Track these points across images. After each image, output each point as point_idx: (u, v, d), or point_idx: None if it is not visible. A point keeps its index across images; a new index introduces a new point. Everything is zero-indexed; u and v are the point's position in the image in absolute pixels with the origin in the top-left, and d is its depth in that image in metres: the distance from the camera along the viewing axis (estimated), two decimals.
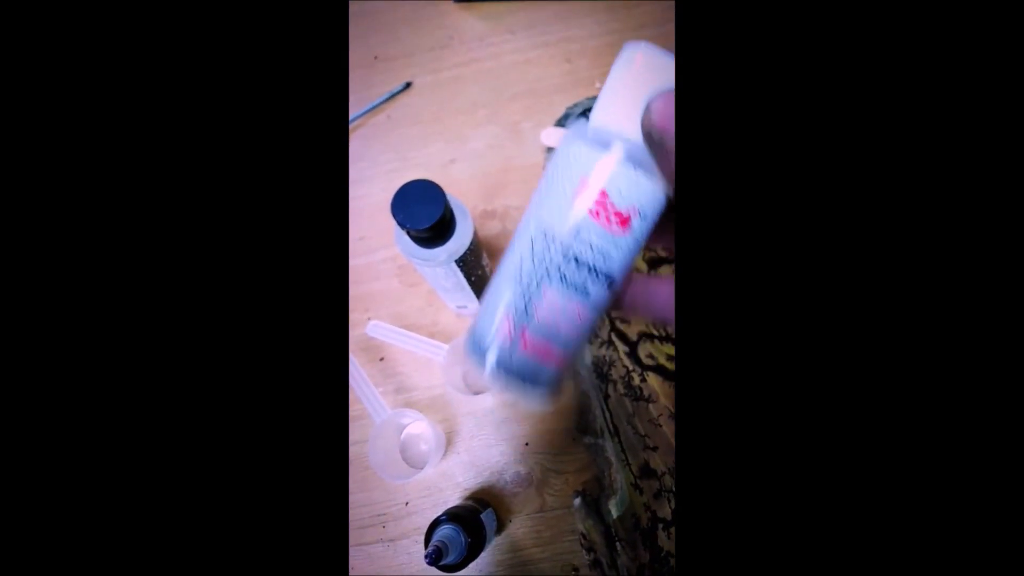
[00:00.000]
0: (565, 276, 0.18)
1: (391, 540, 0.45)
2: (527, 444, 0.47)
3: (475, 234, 0.40)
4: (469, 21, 0.62)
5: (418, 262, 0.38)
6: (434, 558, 0.32)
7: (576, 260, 0.18)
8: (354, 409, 0.48)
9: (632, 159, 0.17)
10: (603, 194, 0.17)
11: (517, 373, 0.19)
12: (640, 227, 0.18)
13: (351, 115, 0.58)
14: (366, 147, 0.58)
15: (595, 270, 0.18)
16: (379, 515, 0.46)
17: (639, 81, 0.17)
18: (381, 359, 0.50)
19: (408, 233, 0.36)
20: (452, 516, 0.37)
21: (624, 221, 0.18)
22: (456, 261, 0.38)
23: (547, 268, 0.19)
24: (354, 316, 0.50)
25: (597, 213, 0.18)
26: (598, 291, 0.19)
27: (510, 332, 0.19)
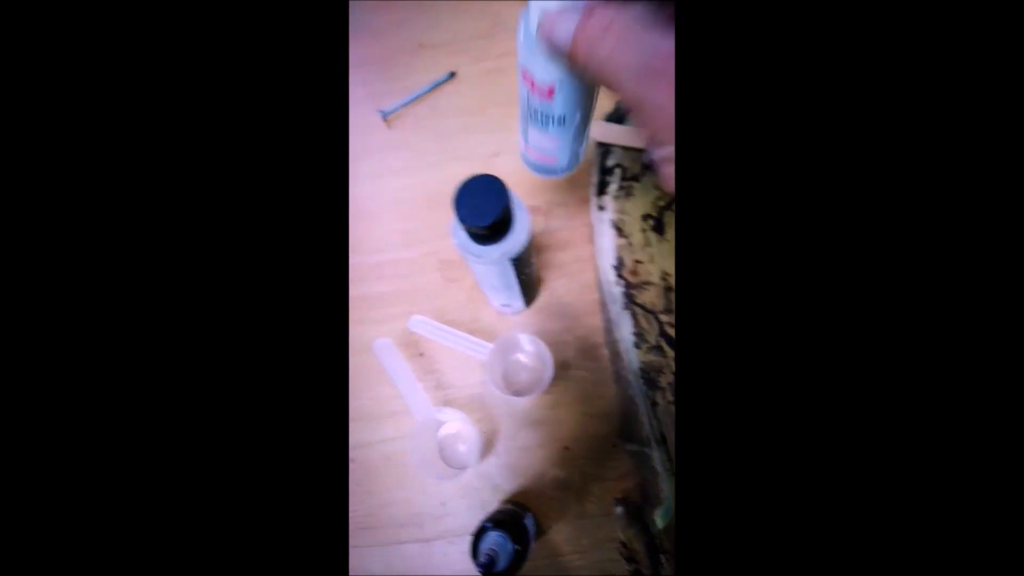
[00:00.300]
0: (533, 120, 0.29)
1: (427, 540, 0.44)
2: (567, 448, 0.45)
3: (531, 233, 0.38)
4: (514, 10, 0.60)
5: (471, 258, 0.37)
6: (487, 567, 0.31)
7: (534, 112, 0.29)
8: (394, 405, 0.47)
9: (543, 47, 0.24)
10: (528, 77, 0.26)
11: (532, 165, 0.35)
12: (563, 91, 0.26)
13: (396, 103, 0.57)
14: (409, 137, 0.56)
15: (547, 118, 0.28)
16: (416, 514, 0.45)
17: None
18: (421, 355, 0.49)
19: (466, 228, 0.35)
20: (497, 522, 0.36)
21: (549, 93, 0.26)
22: (510, 259, 0.37)
23: (525, 115, 0.30)
24: (396, 310, 0.49)
25: (531, 88, 0.26)
26: (557, 128, 0.29)
27: (523, 144, 0.33)
